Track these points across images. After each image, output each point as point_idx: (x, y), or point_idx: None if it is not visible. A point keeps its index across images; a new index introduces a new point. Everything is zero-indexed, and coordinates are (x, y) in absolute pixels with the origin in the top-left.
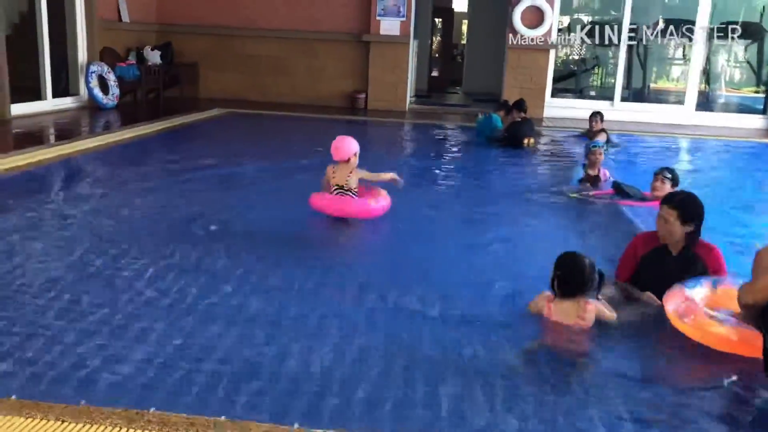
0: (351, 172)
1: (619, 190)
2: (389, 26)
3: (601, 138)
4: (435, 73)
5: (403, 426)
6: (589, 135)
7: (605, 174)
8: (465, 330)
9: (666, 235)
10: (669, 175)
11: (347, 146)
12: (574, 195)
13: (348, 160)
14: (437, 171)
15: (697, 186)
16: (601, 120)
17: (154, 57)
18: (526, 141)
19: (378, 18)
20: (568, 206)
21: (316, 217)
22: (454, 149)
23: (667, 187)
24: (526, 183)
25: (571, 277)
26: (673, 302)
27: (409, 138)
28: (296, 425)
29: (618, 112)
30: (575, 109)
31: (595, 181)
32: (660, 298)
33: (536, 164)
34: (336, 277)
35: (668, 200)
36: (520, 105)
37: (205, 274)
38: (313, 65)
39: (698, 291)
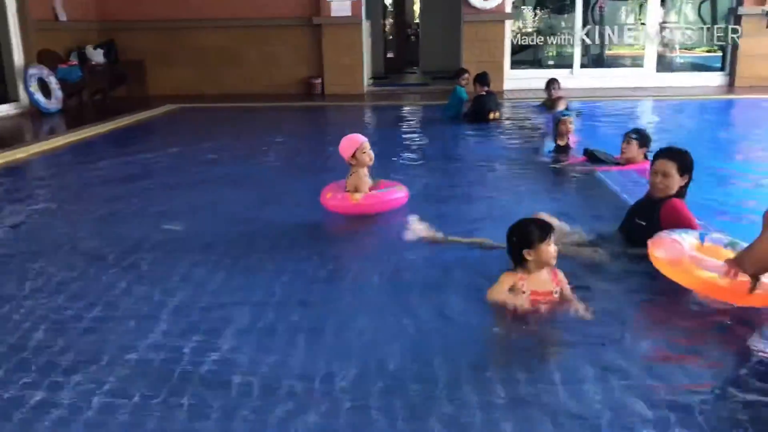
0: (352, 173)
1: (592, 156)
2: (340, 7)
3: (561, 105)
4: (390, 55)
5: None
6: (547, 104)
7: (574, 140)
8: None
9: (662, 189)
10: (635, 136)
11: (341, 147)
12: (551, 166)
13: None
14: (405, 150)
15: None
16: (559, 87)
17: (97, 56)
18: (491, 115)
19: None
20: (543, 176)
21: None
22: (419, 128)
23: (634, 148)
24: (496, 155)
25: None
26: (660, 247)
27: (371, 120)
28: None
29: (578, 79)
30: (535, 80)
31: (565, 150)
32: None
33: (504, 137)
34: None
35: (664, 153)
36: (482, 79)
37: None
38: (266, 53)
39: (685, 239)
